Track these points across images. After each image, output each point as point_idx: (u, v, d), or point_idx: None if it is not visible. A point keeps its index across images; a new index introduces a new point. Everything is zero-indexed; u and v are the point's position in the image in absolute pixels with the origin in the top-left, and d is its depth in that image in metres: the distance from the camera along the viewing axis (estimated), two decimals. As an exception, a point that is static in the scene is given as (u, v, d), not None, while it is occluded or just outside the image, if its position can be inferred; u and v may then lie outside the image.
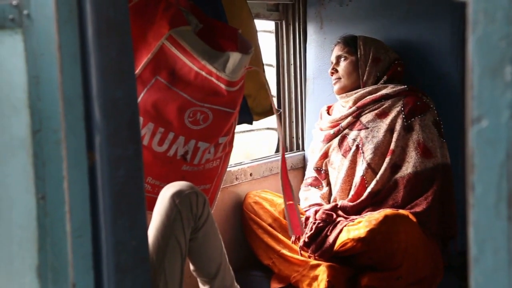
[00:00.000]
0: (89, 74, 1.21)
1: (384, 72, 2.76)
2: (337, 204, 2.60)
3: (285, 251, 2.55)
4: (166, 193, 1.92)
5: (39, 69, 1.19)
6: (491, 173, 0.84)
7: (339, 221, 2.47)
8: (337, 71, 2.81)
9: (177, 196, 1.90)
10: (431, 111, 2.64)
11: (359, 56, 2.76)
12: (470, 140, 0.85)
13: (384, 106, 2.69)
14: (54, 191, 1.19)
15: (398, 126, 2.63)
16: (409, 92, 2.69)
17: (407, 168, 2.56)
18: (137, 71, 1.93)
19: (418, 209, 2.49)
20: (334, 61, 2.82)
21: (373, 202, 2.58)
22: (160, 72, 1.95)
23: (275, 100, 3.28)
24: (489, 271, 0.85)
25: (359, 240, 2.31)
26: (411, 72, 2.86)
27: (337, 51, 2.82)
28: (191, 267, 2.06)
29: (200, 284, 2.09)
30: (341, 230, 2.41)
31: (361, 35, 2.84)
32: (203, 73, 1.95)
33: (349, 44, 2.79)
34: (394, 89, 2.69)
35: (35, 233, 1.19)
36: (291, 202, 2.19)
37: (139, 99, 1.96)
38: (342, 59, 2.79)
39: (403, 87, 2.69)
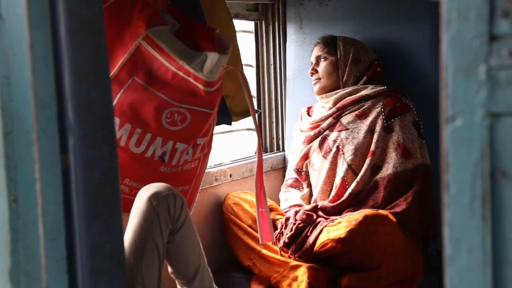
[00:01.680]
0: (62, 75, 1.19)
1: (364, 72, 2.77)
2: (317, 205, 2.59)
3: (265, 252, 2.54)
4: (144, 195, 1.90)
5: (11, 69, 1.17)
6: (466, 172, 0.84)
7: (319, 222, 2.47)
8: (317, 71, 2.80)
9: (154, 198, 1.88)
10: (411, 111, 2.65)
11: (339, 56, 2.76)
12: (444, 139, 0.85)
13: (364, 107, 2.69)
14: (27, 193, 1.17)
15: (378, 127, 2.63)
16: (388, 93, 2.69)
17: (387, 169, 2.56)
18: (113, 72, 1.91)
19: (397, 209, 2.49)
20: (314, 62, 2.82)
21: (353, 203, 2.58)
22: (137, 73, 1.93)
23: (255, 100, 3.27)
24: (464, 270, 0.84)
25: (339, 240, 2.31)
26: (391, 73, 2.87)
27: (317, 51, 2.82)
28: (169, 269, 2.05)
29: (178, 287, 2.07)
30: (321, 231, 2.41)
31: (340, 35, 2.84)
32: (181, 73, 1.93)
33: (329, 44, 2.79)
34: (374, 90, 2.69)
35: (7, 236, 1.17)
36: (263, 210, 2.19)
37: (115, 100, 1.94)
38: (322, 59, 2.79)
39: (382, 88, 2.70)
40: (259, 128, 3.23)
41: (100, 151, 1.23)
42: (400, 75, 2.89)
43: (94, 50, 1.22)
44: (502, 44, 0.82)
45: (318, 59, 2.81)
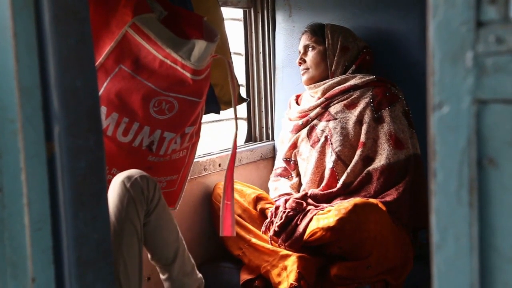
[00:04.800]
0: (47, 63, 1.18)
1: (352, 61, 2.75)
2: (307, 193, 2.59)
3: (255, 241, 2.54)
4: (117, 179, 1.94)
5: (-6, 58, 1.16)
6: (453, 160, 0.83)
7: (309, 210, 2.46)
8: (305, 61, 2.79)
9: (127, 180, 1.92)
10: (400, 101, 2.64)
11: (327, 45, 2.74)
12: (431, 126, 0.84)
13: (352, 97, 2.67)
14: (12, 183, 1.16)
15: (367, 118, 2.61)
16: (377, 83, 2.67)
17: (380, 160, 2.55)
18: (100, 60, 1.89)
19: (388, 198, 2.49)
20: (301, 51, 2.80)
21: (345, 192, 2.57)
22: (124, 61, 1.91)
23: (244, 89, 3.25)
24: (451, 258, 0.84)
25: (328, 229, 2.31)
26: (380, 61, 2.86)
27: (304, 40, 2.80)
28: (149, 255, 2.06)
29: (160, 274, 2.08)
30: (311, 219, 2.40)
31: (328, 23, 2.82)
32: (168, 61, 1.92)
33: (317, 33, 2.77)
34: (362, 80, 2.68)
35: (-8, 226, 1.16)
36: (228, 202, 2.19)
37: (102, 89, 1.92)
38: (310, 49, 2.77)
39: (371, 77, 2.68)
40: (246, 118, 3.22)
41: (86, 140, 1.22)
42: (390, 63, 2.88)
43: (79, 38, 1.20)
44: (489, 31, 0.81)
45: (306, 48, 2.79)
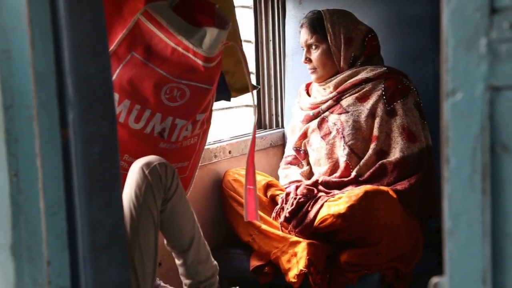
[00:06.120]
0: (62, 49, 1.19)
1: (360, 49, 2.69)
2: (318, 180, 2.59)
3: (265, 227, 2.55)
4: (136, 165, 1.95)
5: (10, 44, 1.17)
6: (466, 146, 0.84)
7: (319, 197, 2.47)
8: (310, 60, 2.73)
9: (146, 166, 1.93)
10: (412, 93, 2.61)
11: (329, 41, 2.68)
12: (444, 113, 0.85)
13: (364, 90, 2.64)
14: (27, 168, 1.18)
15: (380, 111, 2.59)
16: (389, 75, 2.64)
17: (394, 154, 2.53)
18: (112, 47, 1.90)
19: (399, 187, 2.48)
20: (305, 48, 2.73)
21: (357, 182, 2.56)
22: (136, 48, 1.92)
23: (254, 77, 3.25)
24: (464, 244, 0.85)
25: (339, 216, 2.31)
26: (389, 48, 2.84)
27: (305, 36, 2.72)
28: (165, 241, 2.08)
29: (175, 259, 2.10)
30: (321, 206, 2.41)
31: (326, 9, 2.71)
32: (180, 49, 1.92)
33: (317, 29, 2.68)
34: (374, 72, 2.64)
35: (9, 211, 1.17)
36: (251, 187, 2.20)
37: (114, 76, 1.93)
38: (313, 47, 2.70)
39: (383, 69, 2.65)
40: (257, 105, 3.23)
41: (100, 126, 1.23)
42: (399, 50, 2.86)
43: (93, 24, 1.21)
44: (503, 17, 0.82)
45: (308, 47, 2.73)
